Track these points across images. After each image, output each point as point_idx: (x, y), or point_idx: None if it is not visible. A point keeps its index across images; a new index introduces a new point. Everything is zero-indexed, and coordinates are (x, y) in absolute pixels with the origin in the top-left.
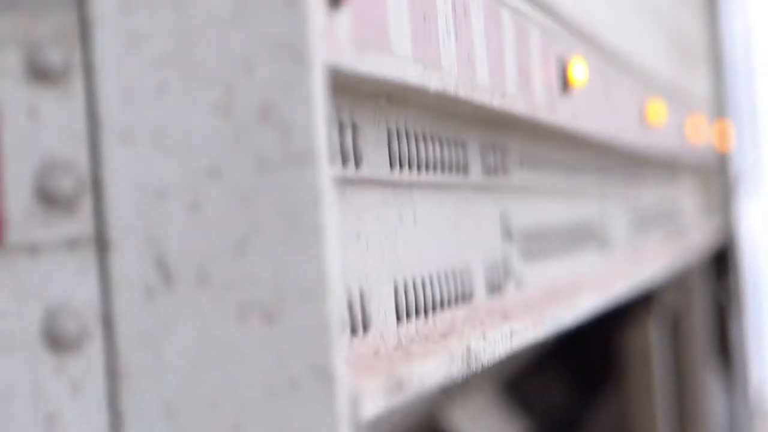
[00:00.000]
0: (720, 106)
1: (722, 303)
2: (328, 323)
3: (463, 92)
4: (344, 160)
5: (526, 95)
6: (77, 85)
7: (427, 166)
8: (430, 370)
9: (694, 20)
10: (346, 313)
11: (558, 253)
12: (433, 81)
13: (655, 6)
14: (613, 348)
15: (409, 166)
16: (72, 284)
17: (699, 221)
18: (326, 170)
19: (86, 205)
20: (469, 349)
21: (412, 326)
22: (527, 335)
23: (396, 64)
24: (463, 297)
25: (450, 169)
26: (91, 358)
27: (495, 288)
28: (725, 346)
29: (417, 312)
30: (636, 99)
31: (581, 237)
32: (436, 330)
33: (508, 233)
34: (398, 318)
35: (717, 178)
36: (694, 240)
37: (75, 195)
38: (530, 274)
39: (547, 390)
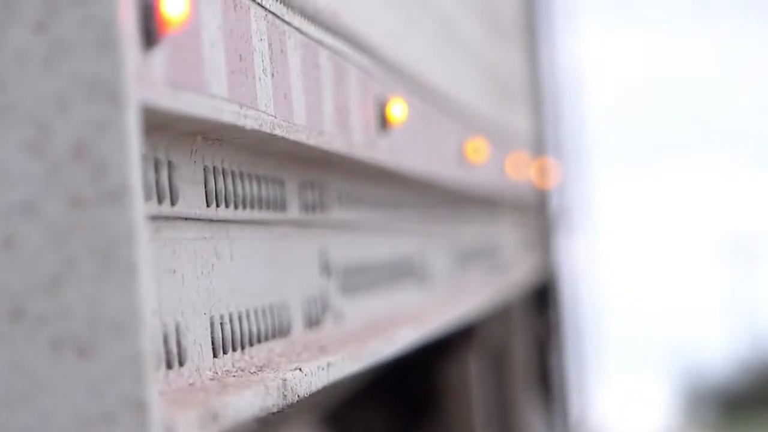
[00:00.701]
0: (541, 144)
1: (543, 337)
2: (141, 357)
3: (280, 131)
4: (160, 198)
5: (343, 133)
6: None
7: (244, 204)
8: (245, 402)
9: (516, 60)
10: (161, 347)
11: (378, 289)
12: (248, 120)
13: (474, 46)
14: (435, 380)
15: (226, 204)
16: None
17: (520, 257)
18: (140, 207)
19: None
20: (284, 382)
21: (229, 359)
22: (344, 368)
23: (211, 103)
24: (281, 331)
25: (267, 206)
26: None
27: (313, 322)
28: (546, 379)
29: (233, 346)
30: (456, 137)
31: (401, 272)
32: (253, 363)
33: (326, 269)
34: (214, 352)
35: (538, 214)
36: (514, 275)
37: None
38: (349, 308)
39: (369, 422)
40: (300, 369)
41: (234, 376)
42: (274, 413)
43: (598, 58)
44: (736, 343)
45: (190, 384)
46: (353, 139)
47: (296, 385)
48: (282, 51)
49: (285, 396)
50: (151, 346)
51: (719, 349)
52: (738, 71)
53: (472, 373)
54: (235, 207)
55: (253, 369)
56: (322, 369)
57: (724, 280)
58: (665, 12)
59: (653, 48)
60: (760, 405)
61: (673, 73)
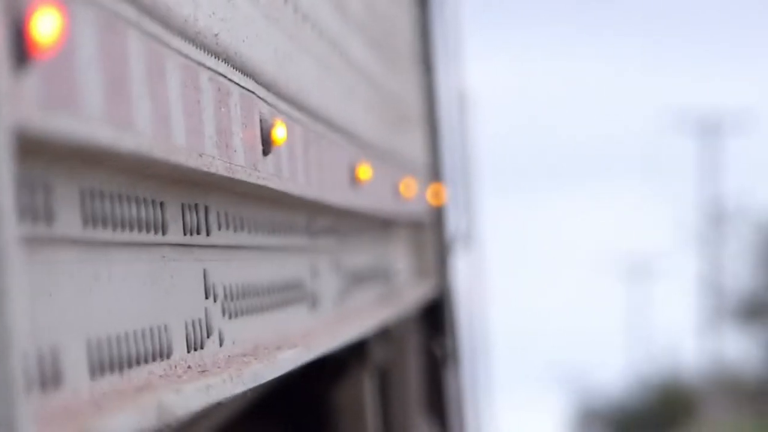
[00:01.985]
0: (435, 169)
1: (438, 357)
2: (11, 378)
3: (158, 153)
4: (35, 219)
5: (225, 156)
6: None
7: (123, 226)
8: (121, 423)
9: (410, 86)
10: (35, 369)
11: (264, 311)
12: (125, 142)
13: (366, 71)
14: (329, 401)
15: (104, 225)
16: None
17: (412, 278)
18: (12, 229)
19: None
20: (161, 403)
21: (107, 382)
22: (225, 390)
23: (86, 124)
24: (161, 353)
25: (148, 228)
26: None
27: (195, 344)
28: (441, 399)
29: (112, 368)
30: (346, 160)
31: (289, 295)
32: (132, 385)
33: (209, 291)
34: (92, 374)
35: (431, 236)
36: (407, 297)
37: None
38: (233, 331)
39: None
40: (178, 391)
41: (111, 398)
42: None
43: (494, 87)
44: (632, 363)
45: (66, 406)
46: (235, 162)
47: (174, 406)
48: (161, 73)
49: (162, 418)
50: (22, 367)
51: (615, 368)
52: (629, 97)
53: (366, 394)
54: (114, 229)
55: (132, 391)
56: (202, 391)
57: (621, 301)
58: (560, 42)
59: (547, 78)
60: (655, 423)
61: (566, 101)
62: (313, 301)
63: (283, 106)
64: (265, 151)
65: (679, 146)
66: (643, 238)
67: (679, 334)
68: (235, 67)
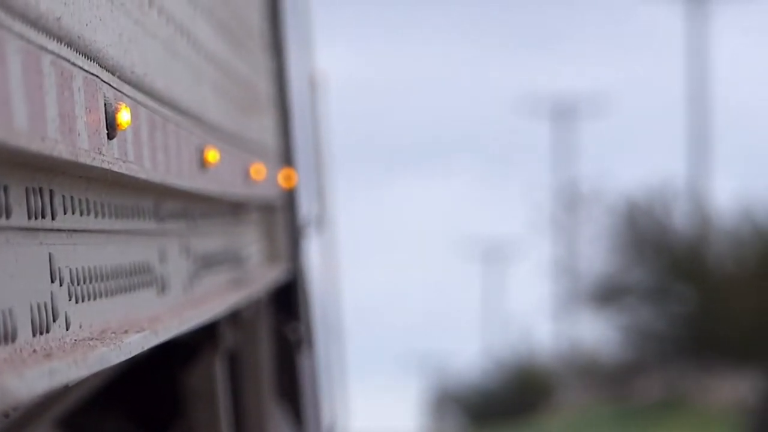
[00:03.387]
0: (286, 153)
1: (292, 342)
2: None
3: None
4: None
5: (69, 140)
6: None
7: None
8: None
9: (259, 70)
10: None
11: (111, 295)
12: None
13: (216, 55)
14: (179, 386)
15: None
16: None
17: (264, 262)
18: None
19: None
20: (3, 388)
21: None
22: (69, 374)
23: None
24: (6, 337)
25: None
26: None
27: (41, 328)
28: (296, 385)
29: None
30: (194, 144)
31: (137, 279)
32: None
33: (55, 275)
34: None
35: (282, 220)
36: (257, 280)
37: None
38: (79, 314)
39: (112, 427)
40: (21, 375)
41: None
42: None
43: (347, 71)
44: (488, 346)
45: None
46: (79, 145)
47: (16, 391)
48: (0, 57)
49: (4, 402)
50: None
51: (472, 352)
52: (485, 82)
53: (217, 378)
54: None
55: None
56: (45, 375)
57: (477, 285)
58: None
59: (402, 63)
60: (512, 406)
61: (422, 86)
62: (162, 285)
63: (128, 89)
64: (110, 135)
65: (535, 131)
66: (499, 222)
67: (534, 318)
68: (78, 51)
